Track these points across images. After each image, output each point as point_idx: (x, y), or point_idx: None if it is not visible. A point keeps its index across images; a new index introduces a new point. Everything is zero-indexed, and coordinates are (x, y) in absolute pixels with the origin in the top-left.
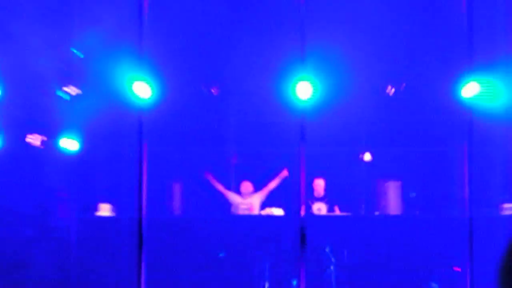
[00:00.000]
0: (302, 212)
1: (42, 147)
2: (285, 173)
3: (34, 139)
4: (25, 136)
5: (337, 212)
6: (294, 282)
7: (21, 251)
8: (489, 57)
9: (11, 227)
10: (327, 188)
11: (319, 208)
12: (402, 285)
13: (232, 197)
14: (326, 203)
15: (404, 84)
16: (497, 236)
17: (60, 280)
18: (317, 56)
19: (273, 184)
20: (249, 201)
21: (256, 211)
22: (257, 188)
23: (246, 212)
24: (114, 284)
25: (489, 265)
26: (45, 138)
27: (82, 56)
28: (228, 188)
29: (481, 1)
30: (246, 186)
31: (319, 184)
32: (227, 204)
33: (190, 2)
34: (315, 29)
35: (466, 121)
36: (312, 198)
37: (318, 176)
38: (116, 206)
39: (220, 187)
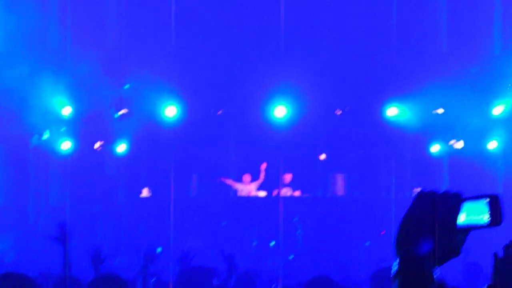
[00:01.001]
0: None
1: (99, 149)
2: (264, 165)
3: (97, 145)
4: (90, 143)
5: (298, 194)
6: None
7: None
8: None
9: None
10: (295, 178)
11: (285, 192)
12: (345, 244)
13: (238, 186)
14: (291, 188)
15: (347, 107)
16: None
17: None
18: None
19: (262, 175)
20: (249, 187)
21: (253, 193)
22: (254, 178)
23: (246, 195)
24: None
25: None
26: (102, 143)
27: (127, 86)
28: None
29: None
30: (247, 177)
31: (287, 177)
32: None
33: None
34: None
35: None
36: (283, 185)
37: (287, 172)
38: (153, 190)
39: (229, 181)
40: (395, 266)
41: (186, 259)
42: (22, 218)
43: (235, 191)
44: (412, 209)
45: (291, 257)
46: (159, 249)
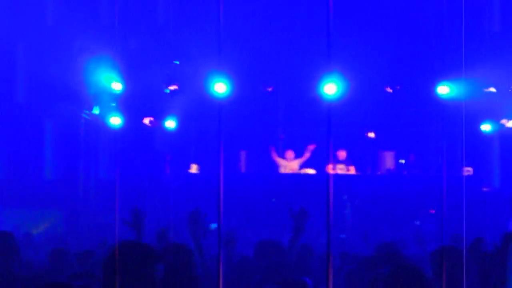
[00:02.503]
0: (329, 171)
1: (150, 125)
2: (312, 146)
3: (147, 120)
4: (139, 118)
5: (353, 171)
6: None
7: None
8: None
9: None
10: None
11: (341, 168)
12: (397, 221)
13: (280, 161)
14: (346, 165)
15: (397, 87)
16: (461, 190)
17: None
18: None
19: (307, 155)
20: (291, 165)
21: (296, 171)
22: (298, 155)
23: (290, 172)
24: None
25: (455, 209)
26: (152, 118)
27: (178, 63)
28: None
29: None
30: (289, 154)
31: (341, 154)
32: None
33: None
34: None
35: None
36: (336, 161)
37: (340, 149)
38: (201, 166)
39: (274, 155)
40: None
41: (231, 241)
42: (72, 192)
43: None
44: None
45: (343, 236)
46: (213, 225)
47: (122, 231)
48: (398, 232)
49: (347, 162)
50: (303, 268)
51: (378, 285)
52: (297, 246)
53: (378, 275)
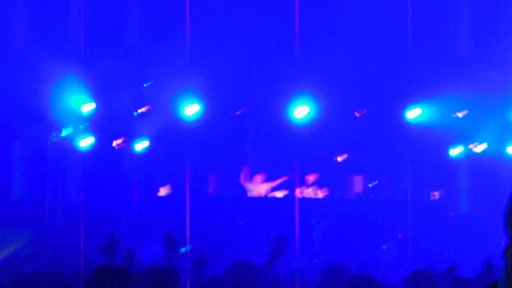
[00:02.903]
0: (297, 195)
1: (119, 147)
2: (287, 177)
3: (116, 143)
4: (108, 140)
5: (321, 195)
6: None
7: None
8: None
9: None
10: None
11: (309, 192)
12: (363, 245)
13: (248, 185)
14: (314, 189)
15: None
16: (428, 214)
17: None
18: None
19: (278, 182)
20: (258, 188)
21: (262, 195)
22: (267, 178)
23: (256, 195)
24: None
25: (424, 232)
26: (122, 140)
27: (147, 84)
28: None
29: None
30: (257, 178)
31: (310, 178)
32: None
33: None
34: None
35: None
36: (305, 185)
37: (310, 173)
38: (170, 189)
39: (242, 179)
40: (504, 244)
41: (200, 262)
42: (39, 214)
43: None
44: None
45: (316, 261)
46: (183, 249)
47: (89, 254)
48: (366, 256)
49: (315, 185)
50: None
51: None
52: (271, 272)
53: None
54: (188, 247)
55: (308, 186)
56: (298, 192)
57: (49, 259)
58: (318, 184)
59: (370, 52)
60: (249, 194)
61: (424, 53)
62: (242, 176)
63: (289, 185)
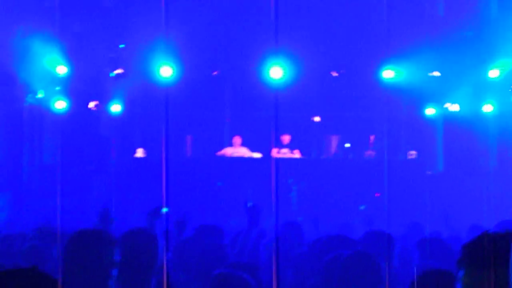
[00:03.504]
0: (273, 155)
1: (95, 109)
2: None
3: (92, 105)
4: (84, 102)
5: (297, 155)
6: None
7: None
8: None
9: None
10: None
11: (285, 152)
12: (341, 205)
13: (227, 149)
14: (290, 149)
15: (342, 71)
16: (404, 174)
17: None
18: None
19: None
20: (239, 151)
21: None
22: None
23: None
24: None
25: (398, 191)
26: (97, 103)
27: (123, 46)
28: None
29: None
30: (236, 139)
31: (285, 138)
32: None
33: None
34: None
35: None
36: (281, 146)
37: (285, 133)
38: (147, 150)
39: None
40: None
41: (181, 226)
42: (16, 177)
43: None
44: None
45: (300, 219)
46: (164, 210)
47: (66, 217)
48: (345, 216)
49: (291, 146)
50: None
51: (335, 267)
52: (251, 238)
53: (337, 257)
54: (166, 210)
55: (284, 146)
56: (274, 153)
57: (26, 222)
58: (295, 144)
59: (346, 13)
60: (228, 155)
61: (399, 13)
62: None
63: (266, 146)
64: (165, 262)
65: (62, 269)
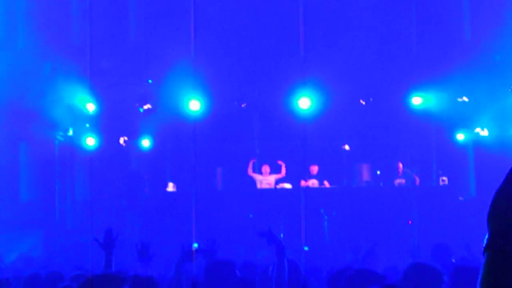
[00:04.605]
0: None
1: (125, 145)
2: (280, 162)
3: (122, 140)
4: (114, 138)
5: (327, 185)
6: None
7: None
8: None
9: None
10: (321, 171)
11: (313, 183)
12: (373, 233)
13: (257, 176)
14: (318, 180)
15: (371, 99)
16: (435, 200)
17: None
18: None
19: (283, 170)
20: (268, 179)
21: (272, 186)
22: (273, 170)
23: (267, 187)
24: None
25: (431, 218)
26: (126, 138)
27: (151, 81)
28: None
29: None
30: (265, 168)
31: (314, 168)
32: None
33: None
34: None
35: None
36: (309, 176)
37: (313, 163)
38: (177, 184)
39: (250, 171)
40: (485, 241)
41: (211, 252)
42: (49, 214)
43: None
44: (506, 183)
45: (306, 248)
46: (195, 245)
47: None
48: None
49: (319, 176)
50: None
51: None
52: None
53: None
54: (196, 245)
55: (313, 177)
56: (305, 183)
57: (61, 260)
58: (325, 174)
59: (374, 41)
60: (259, 186)
61: (427, 39)
62: (250, 168)
63: (296, 176)
64: None
65: None
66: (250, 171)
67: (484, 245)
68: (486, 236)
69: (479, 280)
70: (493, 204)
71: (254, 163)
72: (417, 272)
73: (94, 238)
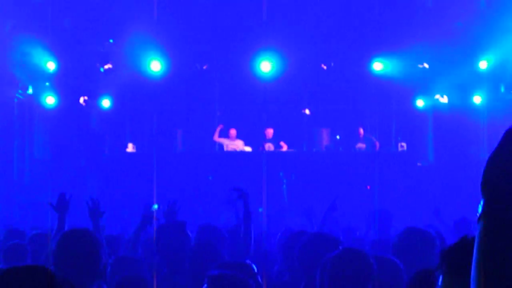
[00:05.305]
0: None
1: (85, 104)
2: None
3: (82, 100)
4: (74, 97)
5: (285, 147)
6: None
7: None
8: None
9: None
10: (278, 133)
11: (269, 146)
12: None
13: (224, 140)
14: (273, 143)
15: (332, 64)
16: (395, 165)
17: None
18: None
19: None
20: (235, 143)
21: (240, 149)
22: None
23: (233, 149)
24: None
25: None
26: (86, 98)
27: (111, 41)
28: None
29: None
30: (232, 132)
31: (269, 132)
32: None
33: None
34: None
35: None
36: (265, 140)
37: (269, 126)
38: (137, 145)
39: (216, 136)
40: (479, 208)
41: (171, 214)
42: (7, 172)
43: (220, 146)
44: (501, 148)
45: (260, 209)
46: (155, 206)
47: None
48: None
49: (278, 139)
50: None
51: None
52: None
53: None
54: (156, 206)
55: (269, 140)
56: (265, 147)
57: (19, 217)
58: (284, 137)
59: (336, 5)
60: (226, 149)
61: (389, 4)
62: (216, 133)
63: (257, 139)
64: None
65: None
66: (216, 137)
67: (479, 213)
68: (481, 203)
69: (475, 249)
70: (487, 170)
71: (221, 129)
72: (409, 236)
73: (47, 201)
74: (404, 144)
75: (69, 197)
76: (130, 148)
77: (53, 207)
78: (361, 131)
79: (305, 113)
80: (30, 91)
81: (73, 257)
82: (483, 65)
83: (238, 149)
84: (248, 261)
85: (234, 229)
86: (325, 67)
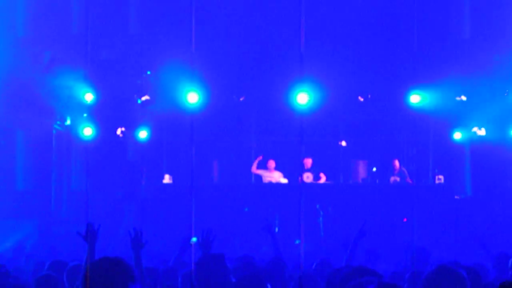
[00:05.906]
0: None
1: (121, 135)
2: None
3: (119, 131)
4: (112, 129)
5: (323, 178)
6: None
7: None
8: None
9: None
10: (316, 164)
11: (308, 176)
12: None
13: (263, 172)
14: (312, 173)
15: (369, 96)
16: (432, 198)
17: None
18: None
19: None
20: (273, 176)
21: (275, 181)
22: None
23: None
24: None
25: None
26: (123, 129)
27: (149, 72)
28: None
29: None
30: (271, 163)
31: (307, 162)
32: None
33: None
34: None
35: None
36: (303, 170)
37: (307, 156)
38: (173, 176)
39: (254, 168)
40: None
41: (206, 244)
42: (44, 203)
43: (257, 177)
44: None
45: (297, 241)
46: (194, 239)
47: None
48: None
49: (315, 169)
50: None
51: None
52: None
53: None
54: (195, 239)
55: (308, 170)
56: (304, 177)
57: (56, 249)
58: (320, 168)
59: (373, 37)
60: (264, 181)
61: (427, 37)
62: (254, 165)
63: (293, 172)
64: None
65: None
66: (254, 168)
67: None
68: None
69: None
70: None
71: (259, 161)
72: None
73: (76, 231)
74: (441, 176)
75: (97, 227)
76: (167, 179)
77: (82, 237)
78: (397, 163)
79: (341, 145)
80: (68, 122)
81: (102, 286)
82: None
83: (274, 181)
84: None
85: (274, 260)
86: (362, 99)
